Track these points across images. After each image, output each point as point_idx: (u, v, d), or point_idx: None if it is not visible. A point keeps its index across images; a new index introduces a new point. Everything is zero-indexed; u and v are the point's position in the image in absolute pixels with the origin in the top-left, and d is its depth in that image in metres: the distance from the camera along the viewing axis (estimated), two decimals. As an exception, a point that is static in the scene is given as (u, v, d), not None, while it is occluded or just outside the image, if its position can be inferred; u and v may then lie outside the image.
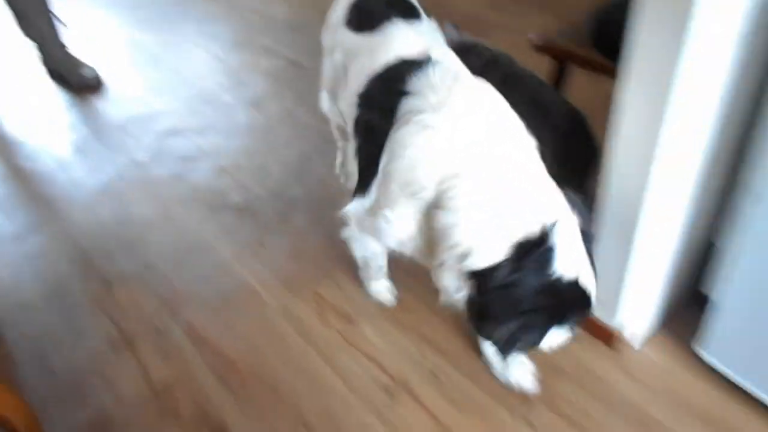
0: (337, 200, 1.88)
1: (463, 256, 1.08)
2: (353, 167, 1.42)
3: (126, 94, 2.80)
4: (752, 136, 1.13)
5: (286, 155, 2.29)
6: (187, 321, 1.69)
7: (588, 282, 1.10)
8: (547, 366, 1.45)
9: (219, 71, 2.89)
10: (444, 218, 1.10)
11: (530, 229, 1.05)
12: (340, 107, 1.58)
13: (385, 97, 1.25)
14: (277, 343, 1.60)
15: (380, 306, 1.67)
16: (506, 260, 1.05)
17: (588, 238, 1.12)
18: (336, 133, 1.95)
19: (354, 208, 1.39)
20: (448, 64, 1.29)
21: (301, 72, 2.80)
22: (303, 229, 1.96)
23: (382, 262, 1.58)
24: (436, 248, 1.15)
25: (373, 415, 1.42)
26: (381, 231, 1.30)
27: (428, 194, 1.14)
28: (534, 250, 1.04)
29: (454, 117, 1.14)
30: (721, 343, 1.33)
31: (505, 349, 1.14)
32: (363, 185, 1.33)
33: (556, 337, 1.14)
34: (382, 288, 1.67)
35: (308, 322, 1.66)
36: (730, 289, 1.23)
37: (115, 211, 2.12)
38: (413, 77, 1.22)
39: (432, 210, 1.14)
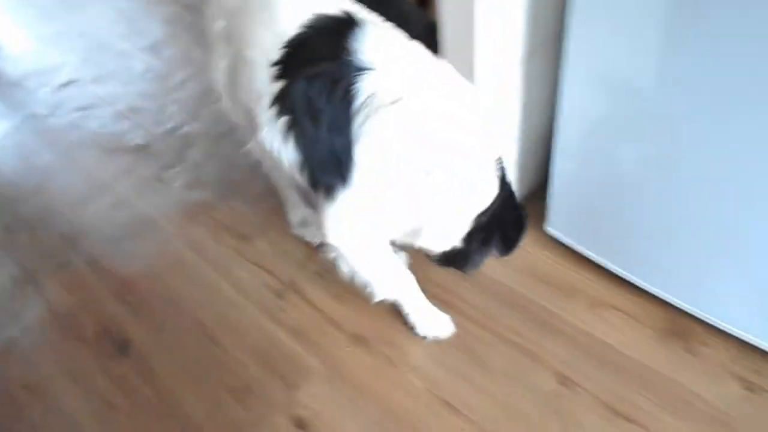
0: (231, 133, 1.97)
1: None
2: (276, 142, 1.18)
3: (20, 50, 2.77)
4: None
5: (182, 96, 2.34)
6: (88, 253, 1.77)
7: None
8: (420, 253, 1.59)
9: (115, 21, 2.87)
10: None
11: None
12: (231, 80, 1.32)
13: (329, 69, 1.07)
14: (175, 264, 1.70)
15: (272, 222, 1.78)
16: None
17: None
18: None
19: (336, 208, 1.16)
20: (379, 25, 1.15)
21: (197, 16, 2.79)
22: (199, 161, 2.04)
23: (401, 264, 1.42)
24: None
25: (266, 316, 1.55)
26: (384, 224, 1.22)
27: (423, 178, 1.10)
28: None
29: (430, 97, 1.07)
30: (561, 218, 1.50)
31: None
32: (333, 178, 1.11)
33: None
34: (427, 313, 1.43)
35: (204, 243, 1.76)
36: (562, 165, 1.39)
37: (14, 162, 2.14)
38: (355, 43, 1.06)
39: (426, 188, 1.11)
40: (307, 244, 1.69)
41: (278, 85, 1.12)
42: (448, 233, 1.23)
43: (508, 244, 1.28)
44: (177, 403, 1.39)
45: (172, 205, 1.89)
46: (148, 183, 1.98)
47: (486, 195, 1.17)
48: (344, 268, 1.32)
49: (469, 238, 1.23)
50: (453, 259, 1.31)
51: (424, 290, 1.43)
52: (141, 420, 1.37)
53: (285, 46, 1.12)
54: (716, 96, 1.00)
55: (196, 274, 1.67)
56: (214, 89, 1.41)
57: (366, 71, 1.04)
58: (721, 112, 1.01)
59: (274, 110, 1.14)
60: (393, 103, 1.04)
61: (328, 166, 1.10)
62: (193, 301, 1.60)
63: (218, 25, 1.29)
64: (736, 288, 1.23)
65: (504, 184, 1.19)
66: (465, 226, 1.20)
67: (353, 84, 1.04)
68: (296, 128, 1.12)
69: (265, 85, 1.15)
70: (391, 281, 1.36)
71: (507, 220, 1.23)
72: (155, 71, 2.50)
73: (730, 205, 1.11)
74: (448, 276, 1.53)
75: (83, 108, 2.35)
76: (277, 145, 1.17)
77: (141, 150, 2.11)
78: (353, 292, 1.54)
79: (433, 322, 1.42)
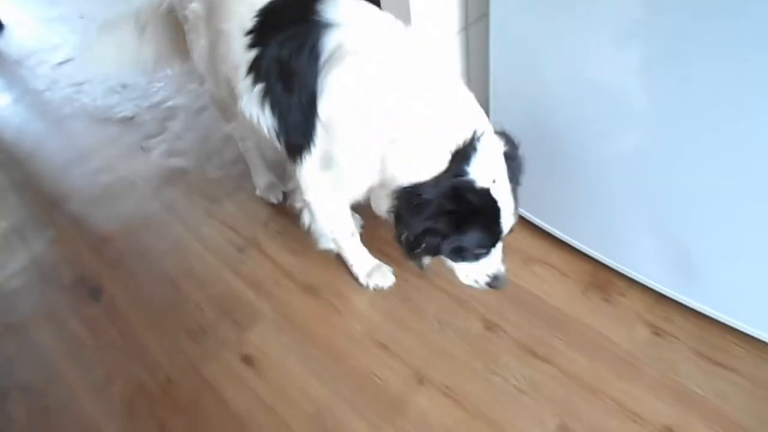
0: (211, 107, 2.10)
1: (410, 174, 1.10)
2: (254, 110, 1.26)
3: (23, 33, 2.93)
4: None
5: (170, 73, 2.47)
6: (71, 211, 1.91)
7: (502, 198, 1.10)
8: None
9: (113, 3, 3.01)
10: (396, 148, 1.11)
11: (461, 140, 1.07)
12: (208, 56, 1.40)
13: (297, 30, 1.13)
14: (149, 223, 1.84)
15: (240, 186, 1.91)
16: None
17: (514, 163, 1.15)
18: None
19: (306, 169, 1.25)
20: None
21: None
22: (179, 132, 2.17)
23: (352, 224, 1.46)
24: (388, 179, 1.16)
25: (227, 268, 1.67)
26: (344, 181, 1.26)
27: (380, 130, 1.12)
28: (457, 154, 1.06)
29: (386, 49, 1.11)
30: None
31: (407, 251, 1.18)
32: (303, 138, 1.19)
33: (467, 268, 1.23)
34: (371, 266, 1.53)
35: (178, 204, 1.89)
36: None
37: (10, 131, 2.29)
38: (322, 5, 1.13)
39: (385, 143, 1.12)
40: (271, 205, 1.81)
41: (252, 54, 1.19)
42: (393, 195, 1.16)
43: (479, 239, 1.15)
44: (140, 342, 1.51)
45: (151, 170, 2.02)
46: (131, 151, 2.12)
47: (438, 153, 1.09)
48: (305, 219, 1.44)
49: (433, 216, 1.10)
50: (412, 242, 1.17)
51: (370, 245, 1.54)
52: (107, 356, 1.50)
53: (257, 15, 1.19)
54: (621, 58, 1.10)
55: (167, 231, 1.80)
56: (197, 70, 1.51)
57: (331, 28, 1.10)
58: (628, 71, 1.11)
59: (249, 78, 1.20)
60: (353, 54, 1.08)
61: (299, 126, 1.17)
62: (162, 254, 1.73)
63: (194, 6, 1.35)
64: (651, 244, 1.32)
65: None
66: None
67: (319, 41, 1.10)
68: (270, 94, 1.19)
69: (240, 55, 1.21)
70: (342, 235, 1.46)
71: (475, 201, 1.09)
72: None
73: (647, 167, 1.19)
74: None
75: (77, 84, 2.49)
76: (255, 112, 1.24)
77: (127, 121, 2.25)
78: (308, 248, 1.65)
79: (375, 274, 1.53)
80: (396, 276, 1.53)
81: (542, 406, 1.25)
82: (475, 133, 1.08)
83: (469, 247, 1.16)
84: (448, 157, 1.08)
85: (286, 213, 1.78)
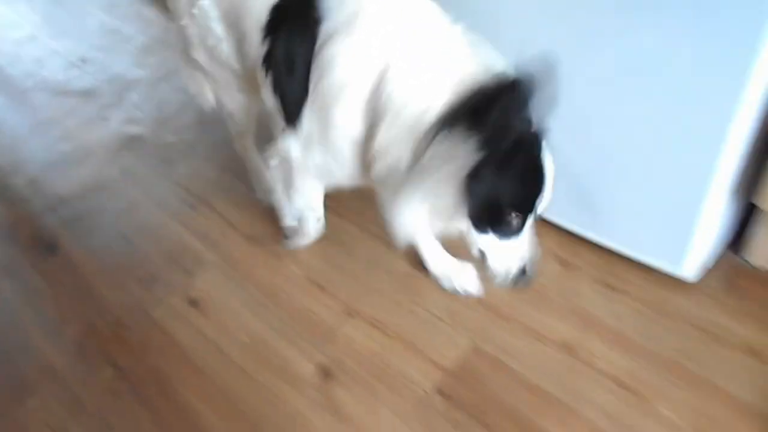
0: (168, 78, 2.20)
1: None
2: (268, 96, 1.32)
3: (-15, 10, 2.99)
4: None
5: (130, 47, 2.56)
6: (31, 176, 2.00)
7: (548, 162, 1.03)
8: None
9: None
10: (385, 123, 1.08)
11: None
12: (224, 56, 1.43)
13: (300, 21, 1.17)
14: (106, 185, 1.93)
15: (194, 149, 2.01)
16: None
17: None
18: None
19: (290, 146, 1.29)
20: None
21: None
22: (138, 103, 2.27)
23: (321, 210, 1.50)
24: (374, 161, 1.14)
25: (178, 224, 1.77)
26: (327, 166, 1.27)
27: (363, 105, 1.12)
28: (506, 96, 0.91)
29: (369, 23, 1.11)
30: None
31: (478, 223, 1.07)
32: (292, 119, 1.24)
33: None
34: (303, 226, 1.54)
35: (133, 168, 1.98)
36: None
37: (-30, 103, 2.38)
38: None
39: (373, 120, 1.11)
40: (220, 166, 1.92)
41: (265, 46, 1.25)
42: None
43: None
44: (92, 290, 1.61)
45: (109, 138, 2.12)
46: (91, 120, 2.21)
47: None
48: (276, 183, 1.44)
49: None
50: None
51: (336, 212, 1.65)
52: (61, 303, 1.60)
53: (270, 10, 1.24)
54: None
55: (123, 193, 1.90)
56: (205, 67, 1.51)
57: (330, 10, 1.13)
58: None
59: (264, 69, 1.27)
60: (343, 35, 1.11)
61: (296, 99, 1.21)
62: (117, 213, 1.83)
63: (206, 4, 1.37)
64: (559, 184, 1.44)
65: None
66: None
67: (318, 24, 1.14)
68: (279, 80, 1.25)
69: (257, 49, 1.28)
70: (306, 206, 1.49)
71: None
72: (108, 27, 2.73)
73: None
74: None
75: (39, 59, 2.57)
76: (271, 102, 1.30)
77: (87, 93, 2.34)
78: (255, 204, 1.77)
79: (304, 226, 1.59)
80: (333, 224, 1.65)
81: (457, 331, 1.38)
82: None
83: (504, 199, 1.02)
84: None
85: (234, 172, 1.89)
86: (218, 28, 1.39)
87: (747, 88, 1.03)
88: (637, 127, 1.22)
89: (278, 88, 1.26)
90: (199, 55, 1.50)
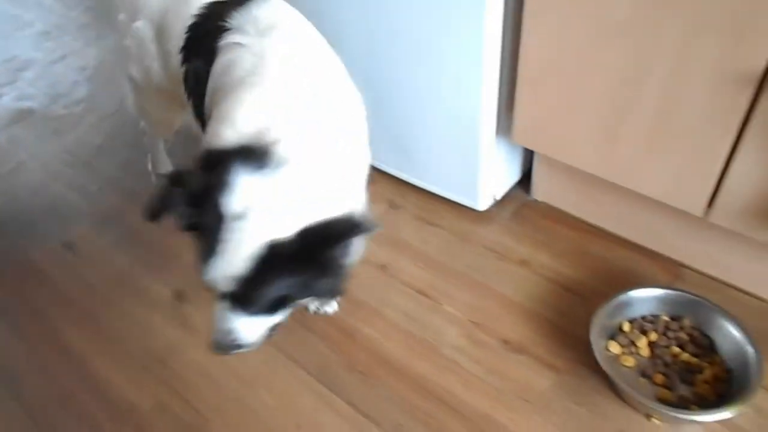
0: (65, 59, 2.36)
1: None
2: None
3: None
4: None
5: (28, 32, 2.72)
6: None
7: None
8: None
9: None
10: None
11: None
12: (157, 77, 1.43)
13: (207, 39, 1.17)
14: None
15: (83, 119, 2.19)
16: None
17: None
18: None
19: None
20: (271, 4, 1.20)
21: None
22: (31, 80, 2.43)
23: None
24: None
25: (61, 183, 1.95)
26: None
27: None
28: None
29: (265, 38, 1.11)
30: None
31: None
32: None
33: None
34: None
35: (23, 137, 2.16)
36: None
37: None
38: (233, 14, 1.16)
39: None
40: (104, 133, 2.12)
41: (183, 69, 1.27)
42: None
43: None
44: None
45: (2, 113, 2.27)
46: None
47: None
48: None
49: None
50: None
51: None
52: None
53: (186, 32, 1.25)
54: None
55: (11, 157, 2.07)
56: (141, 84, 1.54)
57: (229, 30, 1.14)
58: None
59: (185, 91, 1.28)
60: (235, 46, 1.12)
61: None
62: (3, 175, 2.00)
63: (140, 26, 1.38)
64: (382, 135, 1.71)
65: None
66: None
67: (218, 42, 1.15)
68: (193, 98, 1.27)
69: (179, 70, 1.29)
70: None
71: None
72: (9, 13, 2.87)
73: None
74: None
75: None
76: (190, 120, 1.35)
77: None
78: (134, 163, 1.97)
79: None
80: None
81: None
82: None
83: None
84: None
85: (119, 136, 2.09)
86: (152, 48, 1.40)
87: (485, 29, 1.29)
88: (414, 76, 1.49)
89: (197, 109, 1.27)
90: (135, 71, 1.52)
